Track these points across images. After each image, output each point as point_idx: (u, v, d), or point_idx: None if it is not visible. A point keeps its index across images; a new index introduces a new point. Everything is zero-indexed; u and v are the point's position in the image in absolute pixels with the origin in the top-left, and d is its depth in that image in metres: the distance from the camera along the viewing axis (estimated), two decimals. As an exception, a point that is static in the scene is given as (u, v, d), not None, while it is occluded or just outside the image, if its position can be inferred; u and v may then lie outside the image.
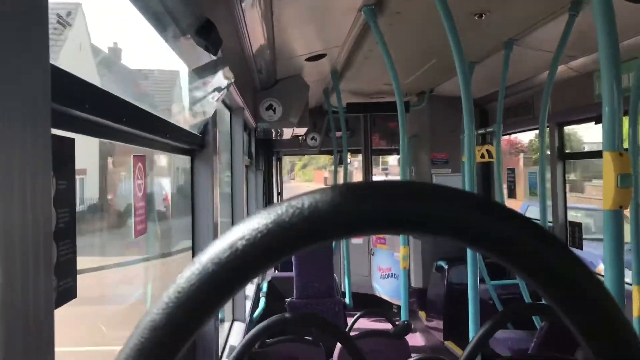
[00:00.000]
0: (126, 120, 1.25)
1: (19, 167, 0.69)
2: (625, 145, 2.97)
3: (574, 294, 0.34)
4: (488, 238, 0.34)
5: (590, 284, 0.35)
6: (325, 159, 8.99)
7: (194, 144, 2.31)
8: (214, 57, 2.06)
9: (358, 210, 0.34)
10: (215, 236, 2.56)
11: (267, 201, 8.24)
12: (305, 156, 8.55)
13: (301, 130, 7.14)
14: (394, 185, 0.36)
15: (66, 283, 1.04)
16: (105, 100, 1.14)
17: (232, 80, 2.63)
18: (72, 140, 1.04)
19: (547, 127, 4.98)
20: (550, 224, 5.07)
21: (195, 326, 0.35)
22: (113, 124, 1.20)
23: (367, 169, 8.05)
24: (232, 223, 4.25)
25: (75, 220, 1.06)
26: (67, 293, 1.05)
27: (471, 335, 2.77)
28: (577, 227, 4.91)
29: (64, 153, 1.00)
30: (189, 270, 0.34)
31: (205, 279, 0.34)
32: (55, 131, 0.89)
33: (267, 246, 0.34)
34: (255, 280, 5.64)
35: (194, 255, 2.59)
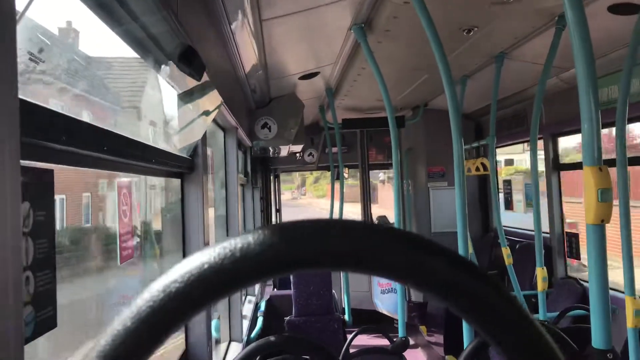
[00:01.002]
0: (107, 149, 1.26)
1: None
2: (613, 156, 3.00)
3: (502, 326, 0.35)
4: (390, 268, 0.35)
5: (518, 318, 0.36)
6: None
7: (183, 167, 2.32)
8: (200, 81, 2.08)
9: (287, 251, 0.35)
10: None
11: (266, 219, 8.24)
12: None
13: (298, 147, 7.17)
14: (320, 224, 0.37)
15: (45, 313, 1.04)
16: (84, 131, 1.16)
17: (222, 101, 2.65)
18: (51, 172, 1.06)
19: (541, 138, 5.01)
20: (547, 235, 5.07)
21: None
22: (94, 153, 1.21)
23: (364, 184, 8.06)
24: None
25: (55, 250, 1.07)
26: (46, 323, 1.05)
27: None
28: (573, 237, 4.90)
29: (42, 184, 1.01)
30: (124, 313, 0.36)
31: (138, 323, 0.35)
32: (27, 162, 0.91)
33: (200, 288, 0.35)
34: (254, 299, 5.62)
35: None
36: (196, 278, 0.35)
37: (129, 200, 1.64)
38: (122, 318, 0.36)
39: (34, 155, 0.96)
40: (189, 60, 1.65)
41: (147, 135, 2.85)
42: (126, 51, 1.56)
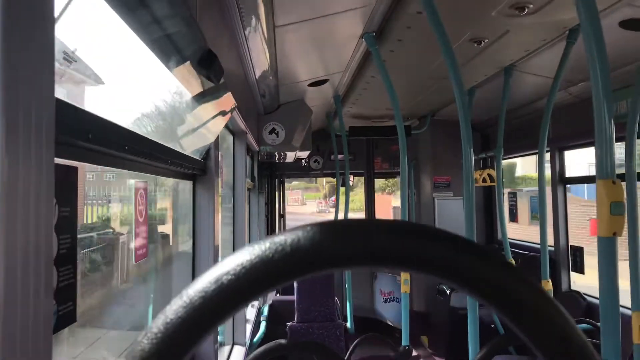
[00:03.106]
0: (128, 148, 1.28)
1: (23, 196, 0.72)
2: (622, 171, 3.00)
3: (543, 327, 0.37)
4: (452, 271, 0.37)
5: (560, 320, 0.37)
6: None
7: (196, 169, 2.35)
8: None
9: (336, 247, 0.37)
10: (215, 259, 2.58)
11: (270, 224, 8.25)
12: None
13: (304, 153, 7.20)
14: (369, 223, 0.38)
15: (66, 308, 1.06)
16: (108, 129, 1.18)
17: (235, 105, 2.68)
18: (75, 169, 1.08)
19: (547, 151, 5.02)
20: (551, 248, 5.06)
21: (181, 355, 0.37)
22: (116, 152, 1.24)
23: (370, 192, 8.06)
24: (234, 245, 4.27)
25: (77, 246, 1.09)
26: (67, 317, 1.07)
27: None
28: (578, 251, 4.90)
29: (67, 181, 1.03)
30: (176, 303, 0.37)
31: (191, 312, 0.37)
32: (59, 160, 0.93)
33: (251, 281, 0.37)
34: (256, 304, 5.63)
35: (194, 277, 2.60)
36: (247, 271, 0.37)
37: (144, 201, 1.66)
38: (174, 308, 0.37)
39: (62, 153, 0.98)
40: (208, 64, 1.67)
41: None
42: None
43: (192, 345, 0.37)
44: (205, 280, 0.37)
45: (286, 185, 9.19)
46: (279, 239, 0.38)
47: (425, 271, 0.37)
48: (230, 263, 0.37)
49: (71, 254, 1.08)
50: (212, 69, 1.70)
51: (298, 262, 0.37)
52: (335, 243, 0.37)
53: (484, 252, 0.37)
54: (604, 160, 1.63)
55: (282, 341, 1.53)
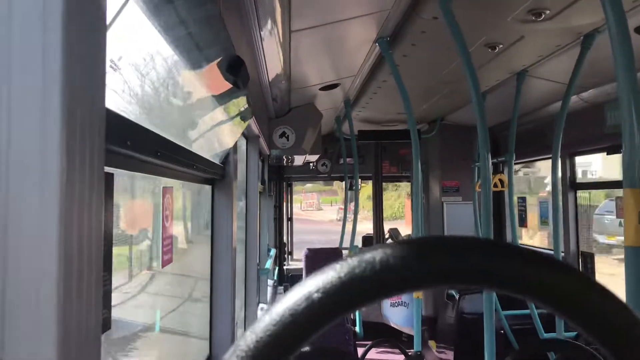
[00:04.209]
0: (160, 154, 1.29)
1: (77, 205, 0.73)
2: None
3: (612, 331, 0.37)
4: (547, 292, 0.37)
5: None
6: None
7: (216, 174, 2.36)
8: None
9: (428, 266, 0.37)
10: (233, 262, 2.59)
11: (278, 227, 8.26)
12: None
13: (312, 157, 7.21)
14: (457, 240, 0.38)
15: (102, 315, 1.07)
16: (143, 136, 1.19)
17: (252, 111, 2.69)
18: (112, 175, 1.09)
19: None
20: (563, 254, 5.05)
21: None
22: (148, 158, 1.24)
23: (378, 196, 8.06)
24: (245, 250, 4.27)
25: (112, 253, 1.10)
26: (102, 325, 1.08)
27: None
28: (589, 257, 4.88)
29: (106, 188, 1.04)
30: (265, 320, 0.37)
31: (281, 329, 0.37)
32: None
33: (340, 298, 0.37)
34: (266, 307, 5.63)
35: (212, 280, 2.59)
36: (337, 288, 0.37)
37: (171, 206, 1.67)
38: (264, 324, 0.38)
39: (108, 160, 0.99)
40: (235, 71, 1.68)
41: None
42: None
43: None
44: (294, 298, 0.38)
45: (300, 187, 9.28)
46: (368, 256, 0.38)
47: (526, 294, 0.37)
48: (320, 280, 0.38)
49: (108, 261, 1.09)
50: (240, 76, 1.71)
51: (388, 280, 0.37)
52: (431, 261, 0.37)
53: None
54: (631, 168, 1.62)
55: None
